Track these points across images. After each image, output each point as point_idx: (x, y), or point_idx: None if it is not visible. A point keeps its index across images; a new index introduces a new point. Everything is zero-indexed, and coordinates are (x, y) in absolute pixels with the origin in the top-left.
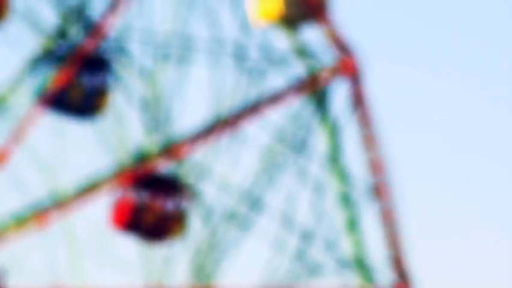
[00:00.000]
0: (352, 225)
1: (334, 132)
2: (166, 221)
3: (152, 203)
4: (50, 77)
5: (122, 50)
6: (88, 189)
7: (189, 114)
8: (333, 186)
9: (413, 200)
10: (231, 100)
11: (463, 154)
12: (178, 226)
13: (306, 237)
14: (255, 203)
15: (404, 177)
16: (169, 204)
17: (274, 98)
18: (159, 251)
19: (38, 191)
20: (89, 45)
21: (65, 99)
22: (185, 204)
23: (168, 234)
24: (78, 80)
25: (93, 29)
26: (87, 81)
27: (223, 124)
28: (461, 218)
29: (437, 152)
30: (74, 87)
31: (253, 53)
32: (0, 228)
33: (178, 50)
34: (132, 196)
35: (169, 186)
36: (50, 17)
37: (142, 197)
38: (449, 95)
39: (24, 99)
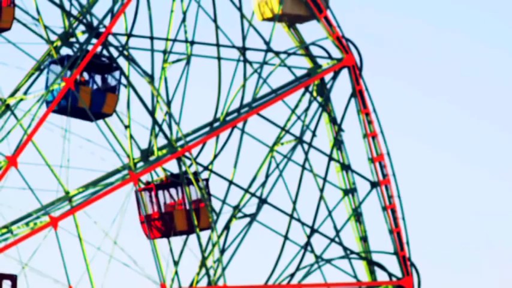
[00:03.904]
0: (356, 218)
1: (335, 126)
2: (190, 218)
3: (174, 206)
4: (58, 80)
5: (127, 52)
6: (98, 190)
7: (193, 112)
8: (336, 180)
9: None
10: (235, 97)
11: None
12: (199, 220)
13: (311, 231)
14: (260, 199)
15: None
16: (187, 202)
17: (277, 93)
18: (167, 250)
19: (48, 191)
20: (95, 47)
21: (72, 101)
22: (199, 199)
23: (194, 228)
24: (85, 82)
25: (99, 32)
26: (95, 83)
27: (228, 121)
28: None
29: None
30: (81, 89)
31: (256, 50)
32: (12, 229)
33: (182, 50)
34: (156, 207)
35: (181, 184)
36: (57, 22)
37: (163, 202)
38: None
39: (33, 102)
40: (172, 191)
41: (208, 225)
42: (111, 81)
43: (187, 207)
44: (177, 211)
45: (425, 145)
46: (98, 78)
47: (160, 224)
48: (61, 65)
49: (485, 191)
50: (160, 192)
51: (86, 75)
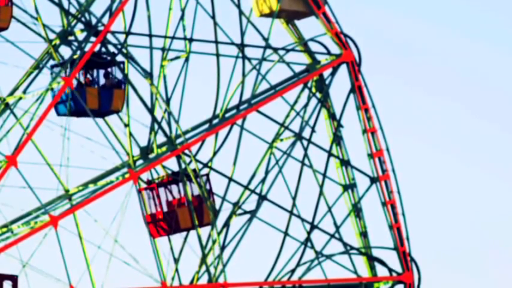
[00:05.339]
0: (356, 214)
1: (334, 122)
2: (192, 214)
3: (175, 205)
4: (58, 79)
5: (126, 50)
6: (98, 188)
7: (193, 109)
8: (336, 175)
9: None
10: (234, 93)
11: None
12: (203, 215)
13: (311, 227)
14: (260, 195)
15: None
16: (187, 199)
17: (276, 90)
18: (167, 248)
19: (48, 190)
20: (94, 46)
21: (80, 105)
22: (199, 194)
23: (198, 224)
24: (90, 82)
25: (98, 30)
26: (97, 84)
27: (227, 117)
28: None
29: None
30: (87, 91)
31: (255, 46)
32: (12, 228)
33: (181, 47)
34: (159, 207)
35: (181, 181)
36: (55, 20)
37: (165, 200)
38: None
39: (34, 101)
40: (174, 188)
41: (205, 222)
42: (111, 81)
43: (187, 205)
44: (180, 209)
45: (425, 141)
46: (101, 75)
47: (165, 223)
48: (60, 60)
49: (485, 188)
50: (162, 191)
51: (89, 76)
